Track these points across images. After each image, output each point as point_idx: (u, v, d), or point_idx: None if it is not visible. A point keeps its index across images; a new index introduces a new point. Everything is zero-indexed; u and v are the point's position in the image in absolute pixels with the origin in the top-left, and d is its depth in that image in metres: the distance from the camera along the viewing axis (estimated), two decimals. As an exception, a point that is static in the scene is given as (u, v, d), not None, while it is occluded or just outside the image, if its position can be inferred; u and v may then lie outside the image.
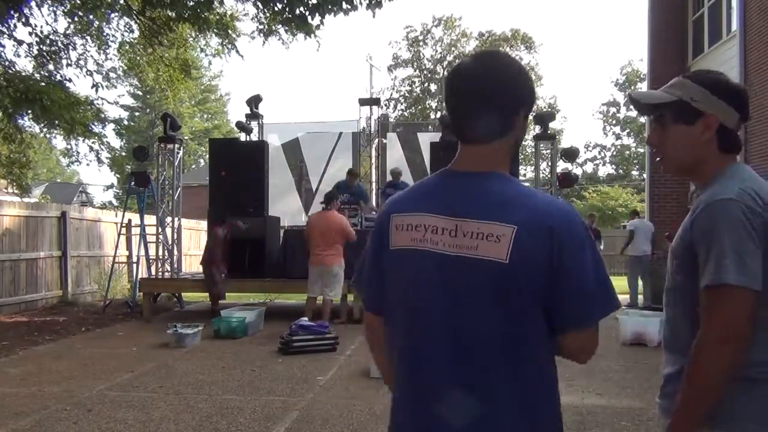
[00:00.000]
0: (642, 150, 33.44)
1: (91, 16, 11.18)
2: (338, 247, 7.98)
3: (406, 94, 37.75)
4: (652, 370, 6.14)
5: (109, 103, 23.54)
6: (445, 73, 37.09)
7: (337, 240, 7.95)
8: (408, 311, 1.35)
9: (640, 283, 11.13)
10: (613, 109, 40.42)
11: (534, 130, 10.11)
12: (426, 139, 12.11)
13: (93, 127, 11.47)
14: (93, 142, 12.18)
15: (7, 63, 10.34)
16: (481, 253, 1.25)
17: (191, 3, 9.31)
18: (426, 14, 76.99)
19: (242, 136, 10.97)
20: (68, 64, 11.04)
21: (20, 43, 10.48)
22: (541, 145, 10.54)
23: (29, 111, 9.99)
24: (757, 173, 1.49)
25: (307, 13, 8.16)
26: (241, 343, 7.52)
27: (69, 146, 14.09)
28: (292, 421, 4.51)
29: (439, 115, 30.48)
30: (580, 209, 28.37)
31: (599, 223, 24.80)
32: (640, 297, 11.11)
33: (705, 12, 11.08)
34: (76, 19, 11.11)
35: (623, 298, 11.34)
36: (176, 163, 10.62)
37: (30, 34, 10.24)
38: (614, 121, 40.47)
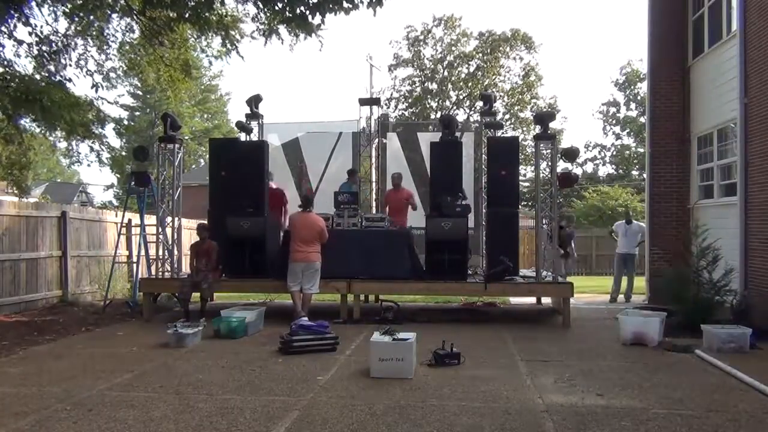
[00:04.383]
0: (642, 150, 33.41)
1: (91, 17, 11.16)
2: (318, 245, 8.75)
3: (407, 94, 37.67)
4: (652, 370, 6.14)
5: (109, 103, 23.69)
6: (446, 73, 37.08)
7: (316, 239, 8.74)
8: None
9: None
10: (613, 109, 40.35)
11: (534, 130, 10.10)
12: (426, 139, 12.08)
13: (93, 127, 11.47)
14: (93, 142, 12.18)
15: (6, 63, 10.34)
16: None
17: (192, 3, 9.30)
18: (426, 14, 77.06)
19: (242, 136, 10.96)
20: (68, 65, 11.02)
21: (20, 43, 10.47)
22: (541, 145, 10.50)
23: (29, 112, 9.99)
24: None
25: (307, 12, 8.13)
26: (241, 343, 7.52)
27: (69, 147, 14.11)
28: (292, 421, 4.51)
29: (439, 115, 30.42)
30: (579, 209, 28.31)
31: (599, 223, 24.86)
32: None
33: (705, 12, 11.05)
34: (76, 19, 11.09)
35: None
36: (176, 163, 10.61)
37: (30, 34, 10.24)
38: (614, 121, 40.41)
